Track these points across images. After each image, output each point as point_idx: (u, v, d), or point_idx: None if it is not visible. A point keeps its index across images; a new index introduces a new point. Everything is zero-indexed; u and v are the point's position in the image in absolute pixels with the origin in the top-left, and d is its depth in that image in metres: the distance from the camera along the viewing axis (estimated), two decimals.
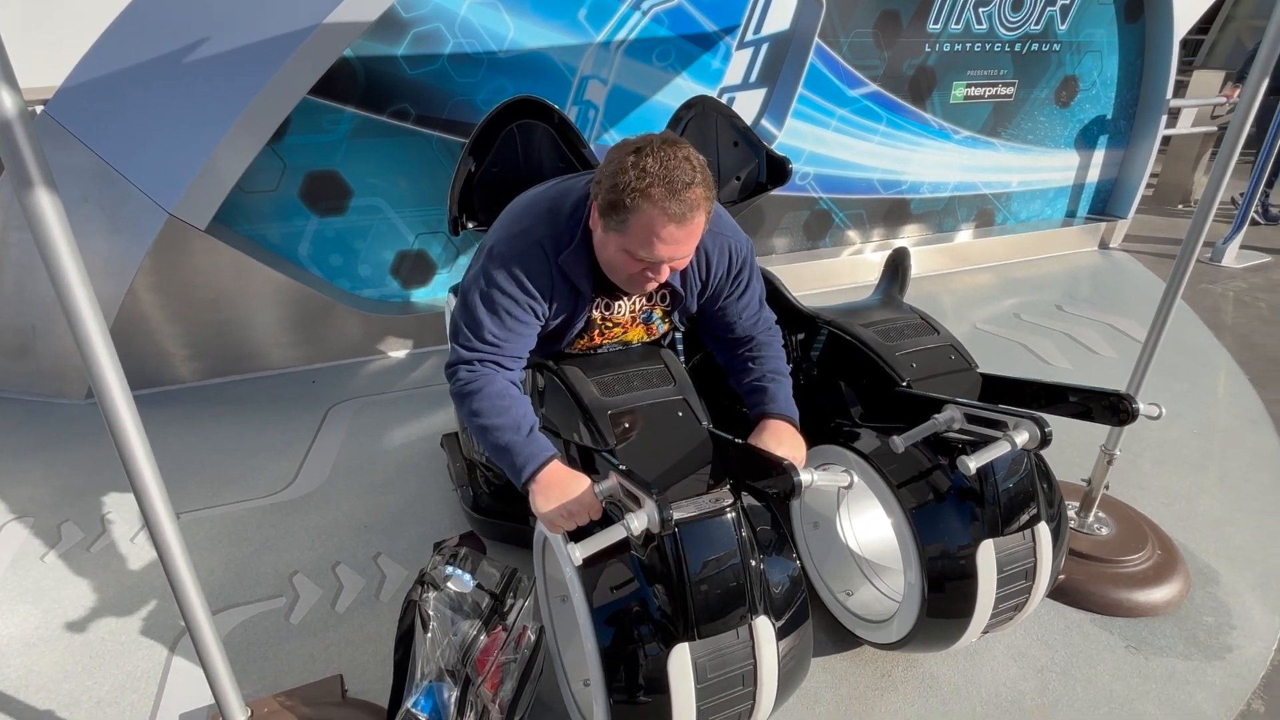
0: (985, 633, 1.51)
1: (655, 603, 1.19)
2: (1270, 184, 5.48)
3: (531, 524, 1.78)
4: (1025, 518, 1.43)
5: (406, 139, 2.99)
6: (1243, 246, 4.65)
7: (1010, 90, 4.22)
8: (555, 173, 2.11)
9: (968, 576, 1.42)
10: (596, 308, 1.46)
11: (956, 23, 3.85)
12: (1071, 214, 4.92)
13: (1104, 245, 4.91)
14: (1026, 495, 1.44)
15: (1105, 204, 4.95)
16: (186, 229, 2.57)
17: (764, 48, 3.45)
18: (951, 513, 1.43)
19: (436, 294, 3.35)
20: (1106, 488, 2.04)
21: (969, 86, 4.09)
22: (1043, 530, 1.46)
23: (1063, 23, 4.12)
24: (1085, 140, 4.65)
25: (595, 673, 1.19)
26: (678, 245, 1.21)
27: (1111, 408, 1.33)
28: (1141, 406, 1.32)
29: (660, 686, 1.17)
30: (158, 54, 2.54)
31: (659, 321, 1.55)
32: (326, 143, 2.90)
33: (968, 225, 4.62)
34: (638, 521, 1.05)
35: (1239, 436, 2.70)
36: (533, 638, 1.42)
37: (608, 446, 1.30)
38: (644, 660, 1.17)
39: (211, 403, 2.86)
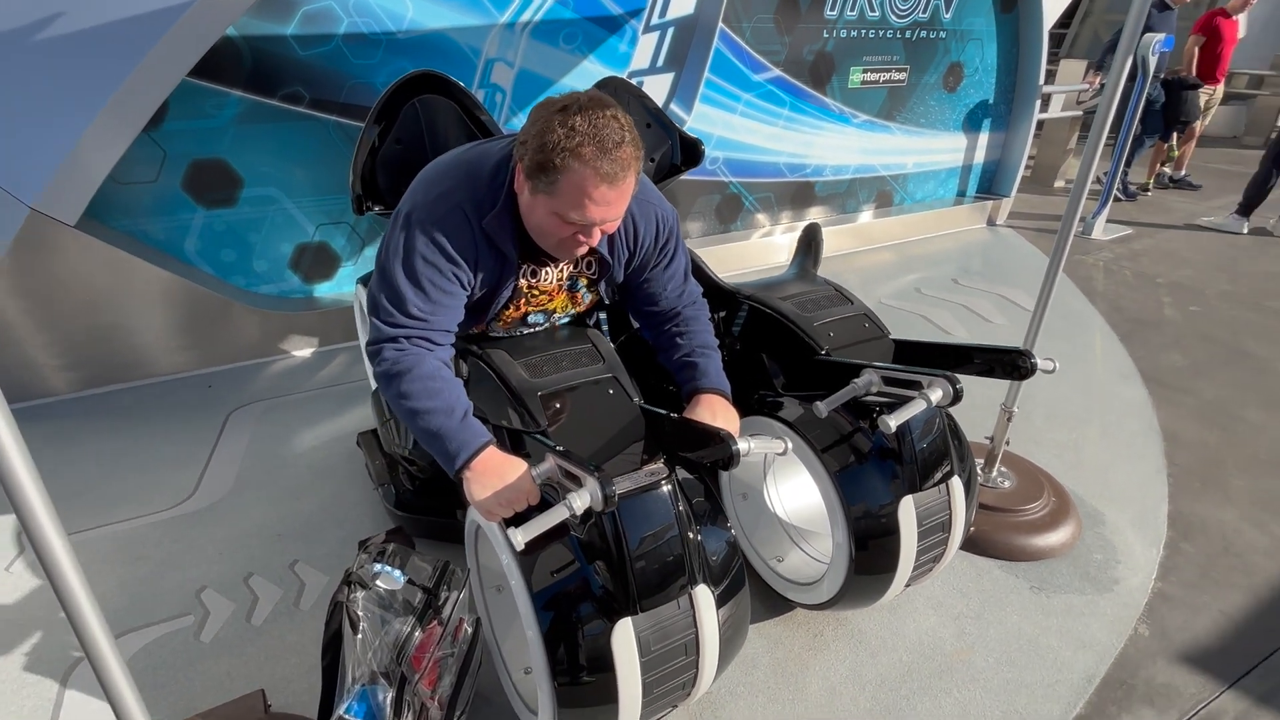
0: (908, 585, 1.59)
1: (596, 580, 1.18)
2: (1129, 163, 6.02)
3: (460, 517, 1.73)
4: (940, 474, 1.52)
5: (301, 124, 2.82)
6: (1108, 220, 5.09)
7: (903, 75, 4.43)
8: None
9: (891, 533, 1.49)
10: (523, 275, 1.42)
11: (852, 9, 4.00)
12: (961, 193, 5.23)
13: (991, 222, 5.25)
14: (940, 452, 1.52)
15: (991, 183, 5.29)
16: (54, 225, 2.32)
17: (670, 31, 3.47)
18: (874, 472, 1.49)
19: (342, 288, 3.19)
20: (1007, 443, 2.19)
21: (865, 72, 4.26)
22: (956, 484, 1.55)
23: (947, 11, 4.36)
24: (971, 123, 4.95)
25: (538, 657, 1.18)
26: (609, 206, 1.18)
27: (1013, 364, 1.42)
28: (1039, 361, 1.42)
29: (605, 664, 1.17)
30: (10, 27, 2.28)
31: (584, 290, 1.52)
32: (211, 129, 2.69)
33: (868, 206, 4.82)
34: (579, 500, 1.04)
35: (1113, 390, 2.97)
36: (469, 630, 1.39)
37: (540, 428, 1.28)
38: (587, 639, 1.16)
39: (95, 414, 2.61)
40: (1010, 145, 5.15)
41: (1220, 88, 6.24)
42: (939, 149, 4.91)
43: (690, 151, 2.47)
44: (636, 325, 1.63)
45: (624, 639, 1.17)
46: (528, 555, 1.19)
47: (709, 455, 1.21)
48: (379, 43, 2.85)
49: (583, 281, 1.49)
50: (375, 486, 2.04)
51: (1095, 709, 1.62)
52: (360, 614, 1.26)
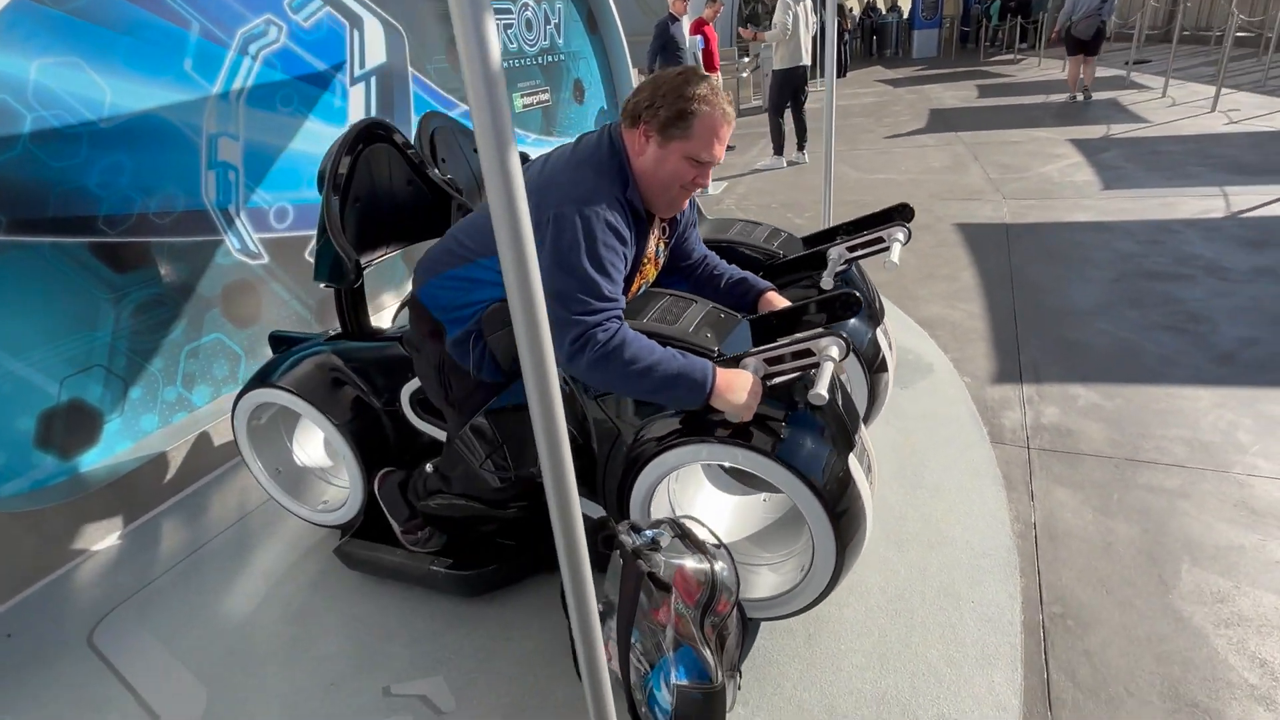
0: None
1: (825, 437, 1.46)
2: None
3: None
4: (879, 308, 2.11)
5: (3, 256, 2.13)
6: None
7: (547, 96, 5.06)
8: (409, 195, 1.95)
9: (880, 362, 2.03)
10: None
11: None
12: None
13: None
14: (875, 293, 2.12)
15: None
16: None
17: (373, 81, 3.45)
18: (861, 316, 2.00)
19: (114, 449, 2.47)
20: None
21: (523, 96, 4.76)
22: (886, 322, 2.17)
23: (560, 37, 5.11)
24: (599, 125, 5.85)
25: (815, 515, 1.41)
26: (722, 146, 1.46)
27: (904, 216, 2.08)
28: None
29: (855, 492, 1.46)
30: None
31: (662, 256, 1.71)
32: None
33: None
34: (835, 350, 1.32)
35: None
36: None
37: (716, 351, 1.47)
38: (842, 480, 1.44)
39: None
40: None
41: (719, 75, 8.42)
42: None
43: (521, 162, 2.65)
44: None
45: (857, 468, 1.48)
46: (768, 449, 1.40)
47: (836, 315, 1.57)
48: (79, 137, 2.30)
49: (662, 246, 1.68)
50: (429, 567, 1.82)
51: (990, 423, 2.45)
52: (664, 575, 1.30)
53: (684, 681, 1.32)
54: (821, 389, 1.29)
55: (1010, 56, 15.99)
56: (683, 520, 1.46)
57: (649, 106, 1.42)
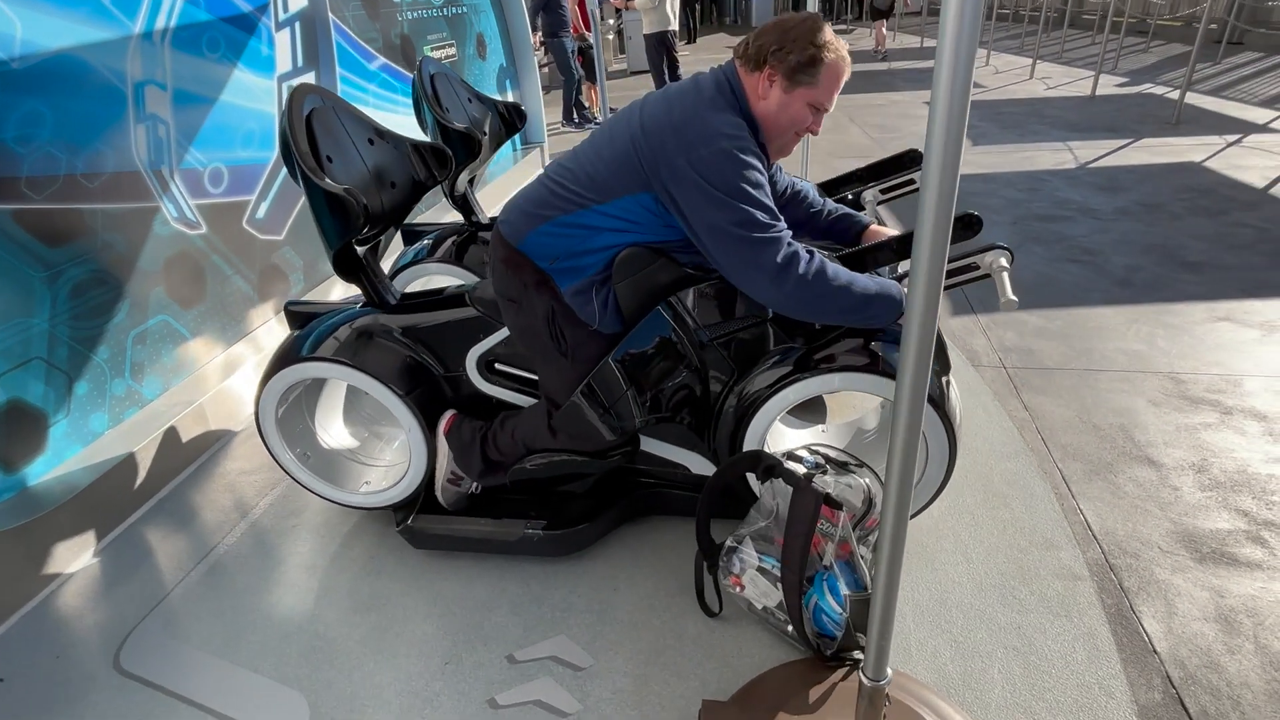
0: None
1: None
2: (579, 105, 7.72)
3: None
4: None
5: None
6: None
7: (453, 50, 4.77)
8: (368, 146, 1.75)
9: None
10: None
11: None
12: (515, 148, 5.94)
13: (544, 166, 6.14)
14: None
15: (527, 135, 6.14)
16: None
17: (297, 27, 3.08)
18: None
19: (64, 454, 2.10)
20: None
21: (433, 51, 4.46)
22: None
23: None
24: (500, 85, 5.62)
25: (933, 424, 1.54)
26: (838, 94, 1.50)
27: (913, 160, 2.25)
28: None
29: (955, 403, 1.62)
30: None
31: None
32: None
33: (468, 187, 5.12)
34: (1004, 260, 1.45)
35: None
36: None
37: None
38: (946, 393, 1.59)
39: None
40: (528, 98, 6.04)
41: (589, 35, 8.36)
42: None
43: (515, 114, 2.56)
44: None
45: (953, 383, 1.64)
46: (884, 360, 1.52)
47: (957, 236, 1.69)
48: None
49: None
50: (523, 532, 1.76)
51: (964, 349, 2.74)
52: (833, 493, 1.38)
53: (849, 591, 1.42)
54: (1010, 294, 1.41)
55: (841, 26, 17.19)
56: (816, 447, 1.54)
57: (776, 50, 1.40)
